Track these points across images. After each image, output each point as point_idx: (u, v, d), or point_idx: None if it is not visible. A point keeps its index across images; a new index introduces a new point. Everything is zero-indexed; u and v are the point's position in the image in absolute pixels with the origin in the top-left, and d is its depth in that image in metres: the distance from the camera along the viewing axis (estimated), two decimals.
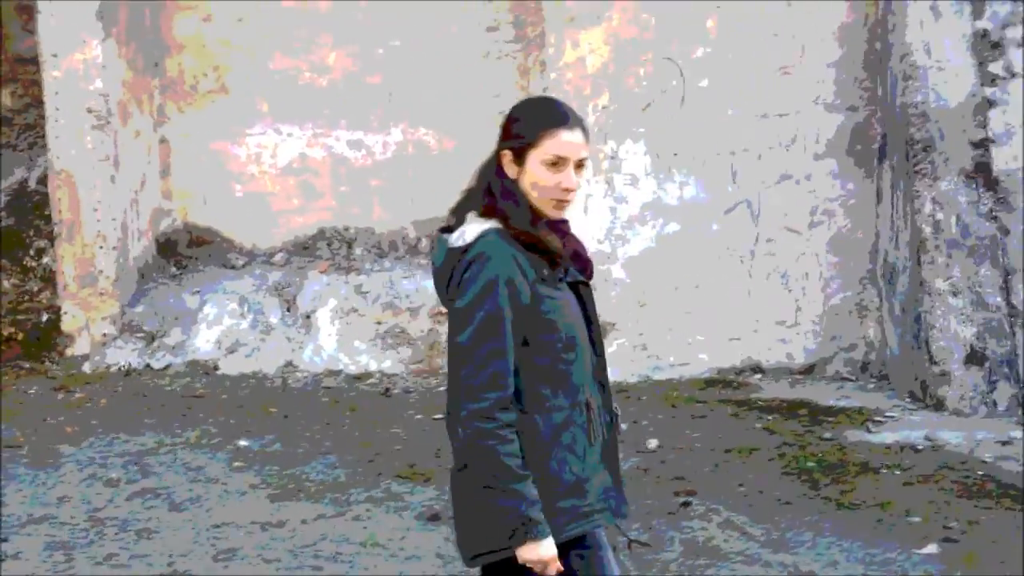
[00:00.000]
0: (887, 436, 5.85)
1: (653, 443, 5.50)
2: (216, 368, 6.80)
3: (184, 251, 7.54)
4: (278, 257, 7.30)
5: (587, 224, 7.07)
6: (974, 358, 6.44)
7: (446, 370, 2.22)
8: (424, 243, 7.73)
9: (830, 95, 6.94)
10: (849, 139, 6.90)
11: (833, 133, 6.90)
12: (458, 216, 2.19)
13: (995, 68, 6.57)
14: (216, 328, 6.90)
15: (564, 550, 2.12)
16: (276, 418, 5.93)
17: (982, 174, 6.51)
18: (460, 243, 2.11)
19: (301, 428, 5.75)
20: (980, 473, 5.18)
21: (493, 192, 2.15)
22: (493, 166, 2.18)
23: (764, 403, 6.52)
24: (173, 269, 7.42)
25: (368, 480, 4.97)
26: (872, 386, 6.68)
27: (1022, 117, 6.32)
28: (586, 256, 2.26)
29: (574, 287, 2.21)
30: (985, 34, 6.58)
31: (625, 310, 7.22)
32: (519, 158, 2.13)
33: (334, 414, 6.03)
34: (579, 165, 2.16)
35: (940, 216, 6.53)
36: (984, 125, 6.52)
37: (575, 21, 6.80)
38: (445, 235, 2.18)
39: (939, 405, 6.40)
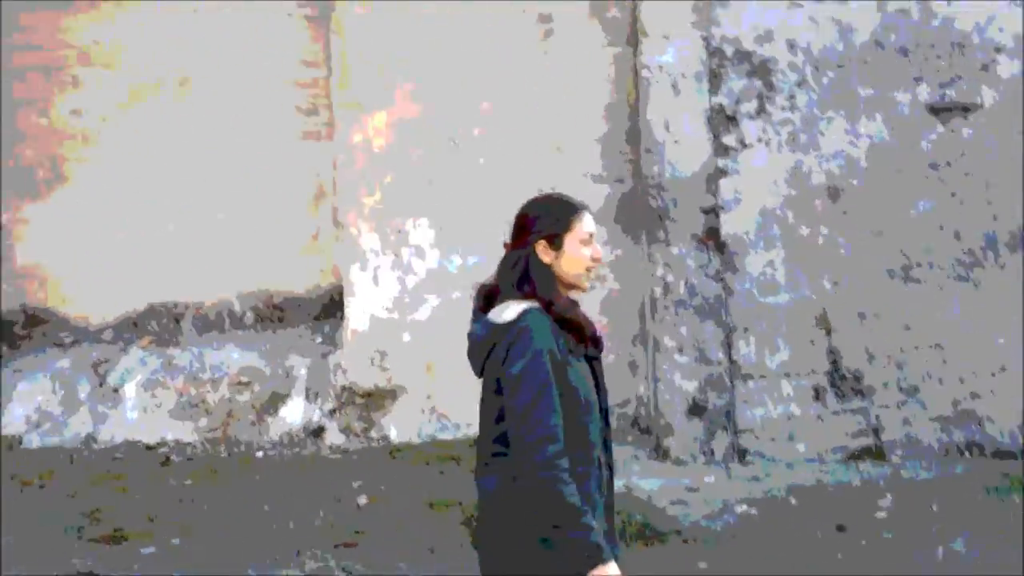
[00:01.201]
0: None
1: (363, 499, 6.77)
2: (20, 443, 8.07)
3: (19, 331, 8.85)
4: (106, 333, 8.79)
5: (377, 294, 8.94)
6: (695, 410, 7.73)
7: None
8: (249, 316, 9.69)
9: (598, 168, 8.31)
10: (616, 209, 8.15)
11: (602, 203, 8.19)
12: (487, 298, 2.99)
13: (728, 140, 8.04)
14: (28, 404, 8.27)
15: None
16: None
17: (712, 238, 7.92)
18: (502, 320, 2.84)
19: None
20: (638, 518, 6.22)
21: (532, 278, 2.88)
22: (524, 258, 2.91)
23: None
24: (5, 349, 8.77)
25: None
26: (631, 439, 7.69)
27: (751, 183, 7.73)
28: (598, 334, 2.96)
29: (588, 360, 2.90)
30: (721, 109, 8.11)
31: (412, 374, 8.89)
32: (554, 244, 2.91)
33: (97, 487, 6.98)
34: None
35: (670, 278, 7.90)
36: (715, 193, 7.97)
37: (361, 107, 8.89)
38: (481, 312, 2.98)
39: (665, 455, 7.72)
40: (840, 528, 5.81)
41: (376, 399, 8.58)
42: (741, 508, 6.23)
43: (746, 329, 7.46)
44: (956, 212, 7.48)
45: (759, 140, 7.69)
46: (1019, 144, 7.49)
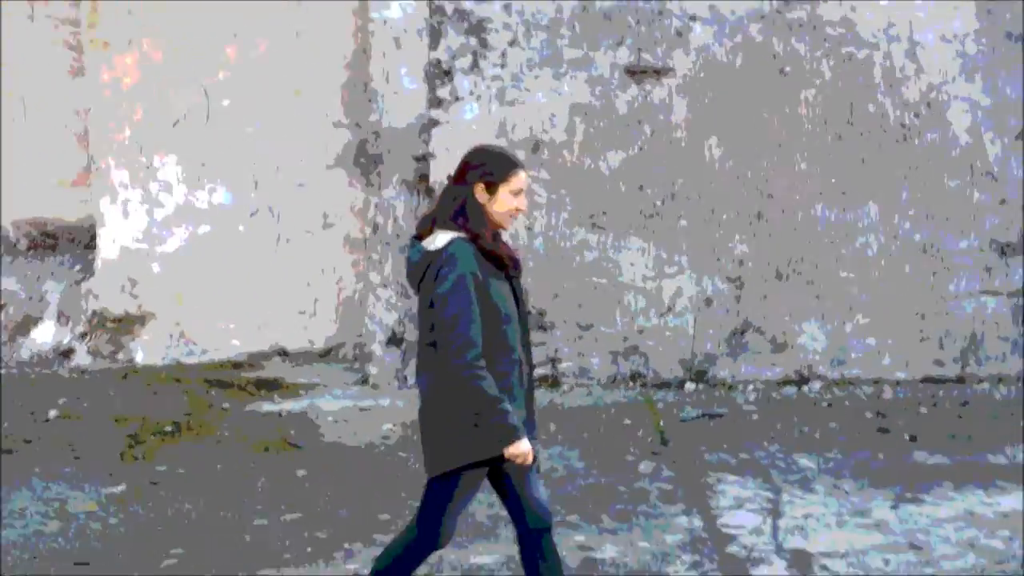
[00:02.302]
0: (286, 405, 7.67)
1: (53, 412, 7.42)
2: None
3: None
4: None
5: (126, 226, 9.63)
6: (394, 340, 8.58)
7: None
8: (23, 242, 10.35)
9: (338, 114, 9.04)
10: (355, 153, 8.93)
11: (341, 148, 8.93)
12: (426, 226, 3.49)
13: (442, 93, 8.80)
14: None
15: (502, 459, 3.40)
16: None
17: (422, 184, 8.76)
18: (434, 247, 3.39)
19: None
20: (291, 431, 7.00)
21: (466, 214, 3.43)
22: (463, 194, 3.47)
23: (239, 380, 8.81)
24: None
25: None
26: (358, 366, 8.55)
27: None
28: (517, 258, 3.56)
29: (508, 279, 3.50)
30: (438, 63, 8.87)
31: (162, 302, 9.62)
32: (490, 189, 3.46)
33: None
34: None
35: (379, 219, 8.73)
36: (427, 142, 8.76)
37: (110, 46, 9.53)
38: (419, 241, 3.49)
39: (365, 380, 8.60)
40: None
41: (126, 324, 9.31)
42: (387, 426, 7.07)
43: None
44: (642, 167, 8.32)
45: (471, 94, 8.43)
46: (707, 106, 8.31)
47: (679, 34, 8.40)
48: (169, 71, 9.08)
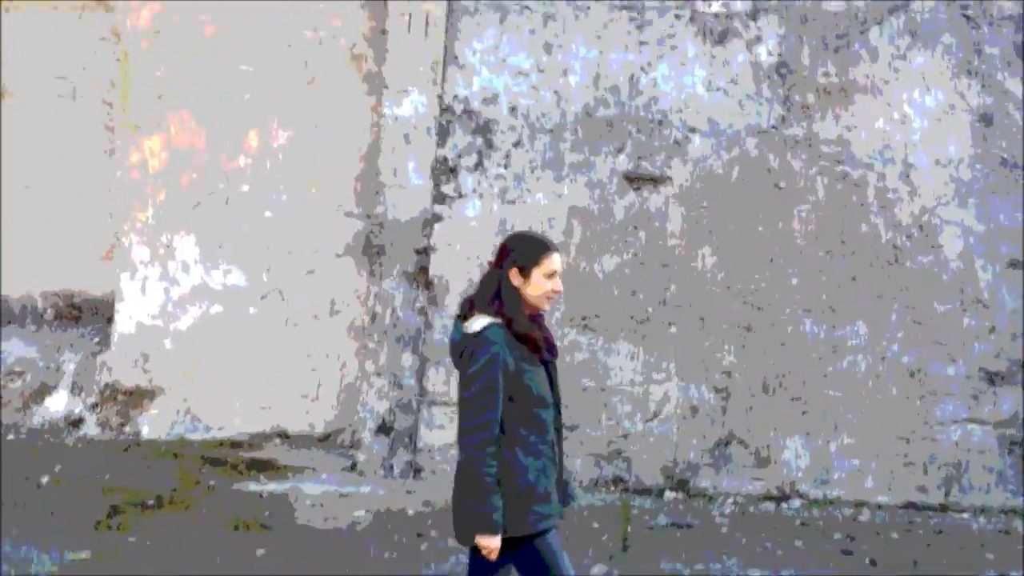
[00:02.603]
0: (270, 486, 7.87)
1: (45, 479, 7.70)
2: None
3: None
4: None
5: (143, 302, 10.02)
6: (384, 429, 8.78)
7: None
8: (49, 312, 10.82)
9: (351, 204, 9.59)
10: (364, 242, 9.25)
11: (351, 237, 9.31)
12: (466, 309, 3.66)
13: (447, 189, 9.10)
14: None
15: (534, 538, 3.54)
16: None
17: (421, 277, 9.02)
18: (471, 330, 3.55)
19: None
20: (266, 513, 7.20)
21: (501, 298, 3.59)
22: (498, 279, 3.64)
23: (234, 459, 9.08)
24: None
25: None
26: (352, 452, 8.69)
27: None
28: (554, 343, 3.72)
29: (544, 364, 3.63)
30: (445, 160, 9.18)
31: (172, 378, 9.94)
32: (523, 273, 3.62)
33: None
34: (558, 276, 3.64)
35: (378, 309, 9.00)
36: (429, 236, 9.05)
37: (139, 129, 10.00)
38: (460, 321, 3.65)
39: (354, 467, 8.82)
40: (418, 535, 6.86)
41: (136, 397, 9.67)
42: (359, 513, 7.28)
43: (438, 361, 8.52)
44: (635, 273, 8.54)
45: (474, 191, 8.75)
46: (701, 216, 8.53)
47: (678, 144, 8.65)
48: (193, 155, 9.51)
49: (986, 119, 8.50)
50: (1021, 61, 8.59)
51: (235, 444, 9.32)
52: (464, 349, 3.58)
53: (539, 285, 3.64)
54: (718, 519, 7.47)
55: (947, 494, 8.02)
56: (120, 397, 9.62)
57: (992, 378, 8.07)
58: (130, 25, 9.47)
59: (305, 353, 9.42)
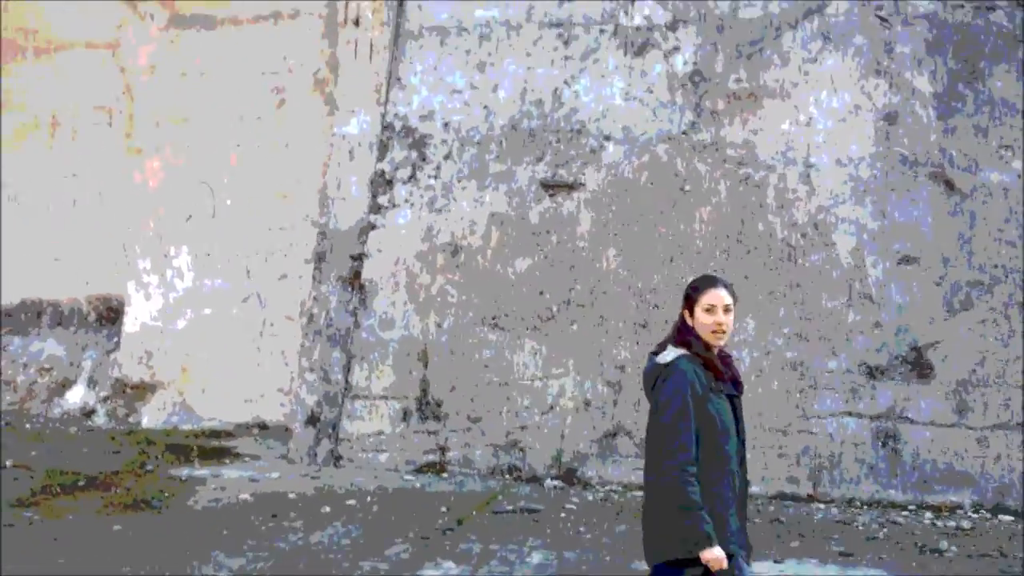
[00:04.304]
0: (198, 471, 8.72)
1: (9, 462, 8.80)
2: None
3: None
4: None
5: (147, 306, 11.41)
6: (311, 420, 9.68)
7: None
8: (92, 315, 12.47)
9: (315, 214, 10.72)
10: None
11: (317, 244, 10.80)
12: (663, 345, 3.88)
13: (382, 200, 9.92)
14: None
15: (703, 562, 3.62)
16: None
17: (355, 281, 9.88)
18: (662, 361, 3.81)
19: None
20: (166, 494, 7.98)
21: (681, 334, 3.84)
22: (680, 316, 3.89)
23: (196, 447, 10.19)
24: None
25: None
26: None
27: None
28: (739, 379, 3.88)
29: (730, 398, 3.82)
30: (383, 174, 10.03)
31: (170, 373, 11.23)
32: (691, 311, 3.85)
33: None
34: (726, 310, 3.80)
35: (315, 311, 9.95)
36: (364, 243, 9.93)
37: (142, 152, 11.41)
38: (654, 355, 3.88)
39: (286, 456, 9.78)
40: (273, 516, 7.68)
41: (140, 391, 11.08)
42: (244, 496, 8.23)
43: (363, 358, 9.46)
44: (544, 274, 9.21)
45: (406, 202, 9.64)
46: (610, 220, 9.13)
47: (593, 152, 9.26)
48: (186, 174, 10.88)
49: (890, 118, 8.70)
50: (932, 59, 8.76)
51: (215, 434, 10.47)
52: (656, 378, 3.82)
53: (702, 320, 3.82)
54: (567, 505, 7.98)
55: (816, 485, 8.24)
56: (127, 391, 11.01)
57: (872, 372, 8.24)
58: (130, 63, 10.96)
59: (280, 350, 10.53)
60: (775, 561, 6.56)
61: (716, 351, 3.86)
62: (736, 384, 3.89)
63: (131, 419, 10.78)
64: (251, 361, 10.44)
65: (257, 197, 10.53)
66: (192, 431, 10.54)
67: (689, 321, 3.87)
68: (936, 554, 6.64)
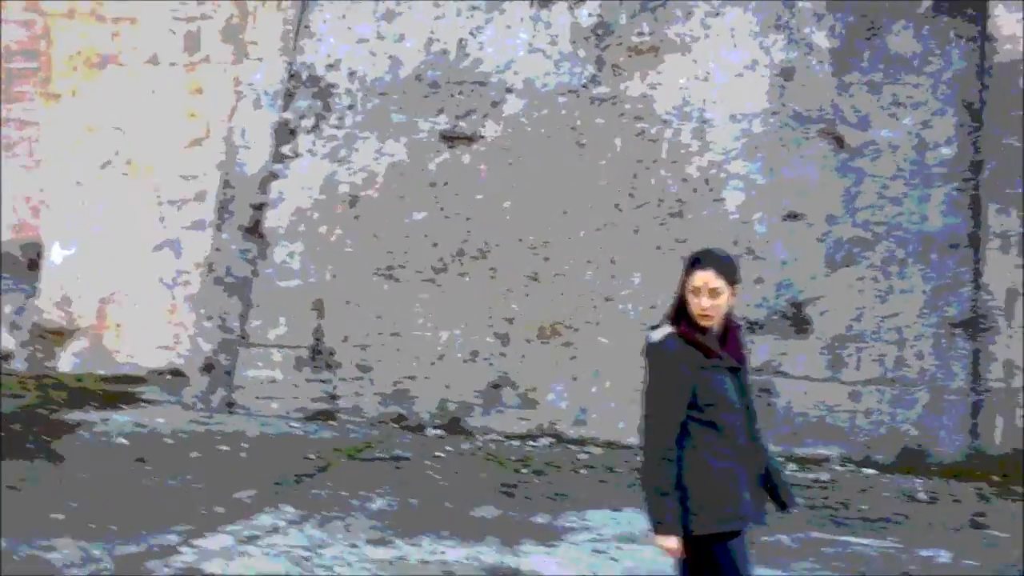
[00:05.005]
0: (88, 416, 8.82)
1: None
2: None
3: None
4: None
5: (63, 253, 11.40)
6: (206, 368, 9.70)
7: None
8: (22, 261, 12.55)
9: None
10: None
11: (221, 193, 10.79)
12: (661, 322, 3.74)
13: (285, 150, 9.85)
14: None
15: (716, 539, 3.62)
16: None
17: (255, 230, 9.87)
18: (651, 340, 3.69)
19: None
20: (45, 437, 8.22)
21: (675, 310, 3.69)
22: (678, 292, 3.70)
23: (102, 391, 10.29)
24: None
25: None
26: None
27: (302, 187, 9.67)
28: (741, 352, 3.76)
29: (733, 371, 3.71)
30: (286, 123, 9.99)
31: (89, 320, 11.25)
32: (683, 288, 3.68)
33: None
34: (712, 293, 3.60)
35: (215, 259, 9.96)
36: (266, 192, 9.94)
37: (60, 99, 11.49)
38: (650, 330, 3.76)
39: (180, 401, 9.81)
40: (138, 459, 7.72)
41: (59, 337, 11.14)
42: (119, 440, 8.28)
43: (259, 306, 9.47)
44: (440, 225, 9.20)
45: (308, 151, 9.60)
46: (507, 172, 9.11)
47: (494, 104, 9.24)
48: (103, 119, 10.91)
49: (786, 73, 8.63)
50: (832, 14, 8.69)
51: (127, 379, 10.54)
52: (648, 354, 3.74)
53: (690, 300, 3.67)
54: (437, 453, 8.01)
55: None
56: (46, 336, 11.08)
57: (752, 327, 8.21)
58: (49, 5, 10.99)
59: (193, 297, 10.54)
60: (612, 509, 6.56)
61: (719, 328, 3.73)
62: (739, 356, 3.77)
63: (47, 364, 10.82)
64: (165, 308, 10.47)
65: (170, 144, 10.55)
66: (104, 376, 10.56)
67: (684, 296, 3.72)
68: None
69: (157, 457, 7.56)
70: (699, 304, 3.65)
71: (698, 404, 3.61)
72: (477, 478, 7.24)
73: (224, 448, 7.89)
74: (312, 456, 7.73)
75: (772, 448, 7.85)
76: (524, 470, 7.46)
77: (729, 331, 3.78)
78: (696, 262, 3.71)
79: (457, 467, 7.51)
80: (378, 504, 6.63)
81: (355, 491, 6.85)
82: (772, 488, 3.86)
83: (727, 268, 3.71)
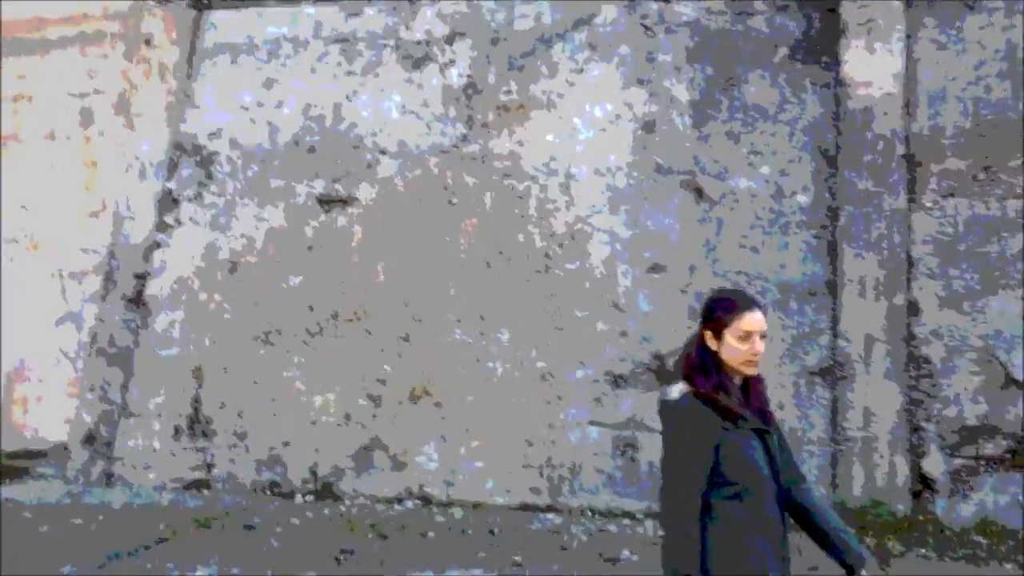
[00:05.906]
0: None
1: None
2: None
3: None
4: None
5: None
6: (88, 440, 9.64)
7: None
8: None
9: None
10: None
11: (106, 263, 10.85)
12: (674, 374, 3.36)
13: (168, 219, 9.93)
14: None
15: None
16: None
17: (138, 299, 9.87)
18: (668, 397, 3.28)
19: None
20: None
21: (693, 364, 3.27)
22: (695, 341, 3.31)
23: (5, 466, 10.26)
24: None
25: None
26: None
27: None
28: (767, 410, 3.31)
29: (760, 433, 3.24)
30: (170, 192, 10.05)
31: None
32: (717, 335, 3.26)
33: None
34: (763, 336, 3.24)
35: (99, 331, 9.87)
36: (149, 261, 9.94)
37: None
38: (665, 387, 3.34)
39: (63, 477, 9.74)
40: None
41: None
42: None
43: (140, 375, 9.43)
44: (316, 289, 9.18)
45: (190, 220, 9.65)
46: (381, 234, 9.11)
47: (369, 166, 9.27)
48: (9, 195, 10.99)
49: (648, 126, 8.64)
50: (691, 66, 8.72)
51: (31, 454, 10.48)
52: (664, 414, 3.35)
53: (732, 348, 3.28)
54: (294, 521, 7.91)
55: (557, 496, 8.14)
56: None
57: (617, 381, 8.13)
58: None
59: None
60: (435, 573, 6.45)
61: (740, 380, 3.32)
62: (765, 416, 3.32)
63: None
64: (68, 381, 10.45)
65: (69, 218, 10.57)
66: (9, 452, 10.52)
67: (712, 345, 3.30)
68: (611, 563, 6.51)
69: (6, 532, 7.46)
70: (751, 350, 3.26)
71: (721, 472, 3.19)
72: (319, 544, 7.11)
73: (77, 522, 7.79)
74: (162, 527, 7.60)
75: (636, 504, 7.80)
76: (370, 535, 7.33)
77: (751, 385, 3.36)
78: (745, 301, 3.32)
79: (307, 533, 7.40)
80: (200, 572, 6.51)
81: (184, 562, 6.73)
82: (835, 549, 3.40)
83: (765, 310, 3.36)
